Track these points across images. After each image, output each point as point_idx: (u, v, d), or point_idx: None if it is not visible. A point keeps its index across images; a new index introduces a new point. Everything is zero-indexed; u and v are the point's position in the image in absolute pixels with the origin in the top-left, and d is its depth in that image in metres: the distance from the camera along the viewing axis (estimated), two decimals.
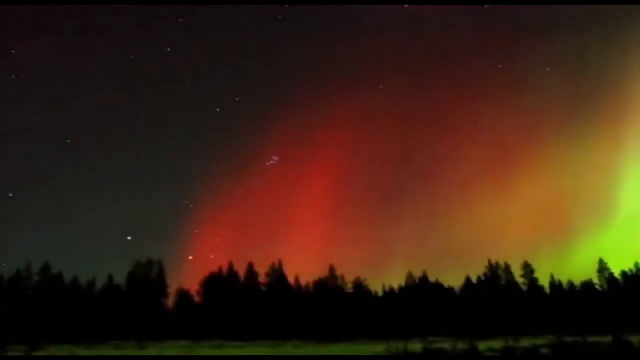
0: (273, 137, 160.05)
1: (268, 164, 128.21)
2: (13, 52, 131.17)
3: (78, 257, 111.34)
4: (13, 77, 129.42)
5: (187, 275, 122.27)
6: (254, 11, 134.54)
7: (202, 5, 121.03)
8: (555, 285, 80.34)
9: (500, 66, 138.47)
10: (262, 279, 77.24)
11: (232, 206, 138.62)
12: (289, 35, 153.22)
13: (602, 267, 79.50)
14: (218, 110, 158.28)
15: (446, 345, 28.31)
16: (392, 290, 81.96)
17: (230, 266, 77.93)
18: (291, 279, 78.55)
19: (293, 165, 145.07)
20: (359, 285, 79.92)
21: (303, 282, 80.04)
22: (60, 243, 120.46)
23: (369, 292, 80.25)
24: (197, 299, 75.43)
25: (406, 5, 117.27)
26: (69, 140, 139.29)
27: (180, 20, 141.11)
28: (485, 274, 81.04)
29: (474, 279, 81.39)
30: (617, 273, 78.84)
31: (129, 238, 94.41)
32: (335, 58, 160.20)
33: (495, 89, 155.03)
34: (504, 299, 75.06)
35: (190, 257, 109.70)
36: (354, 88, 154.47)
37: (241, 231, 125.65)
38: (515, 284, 79.36)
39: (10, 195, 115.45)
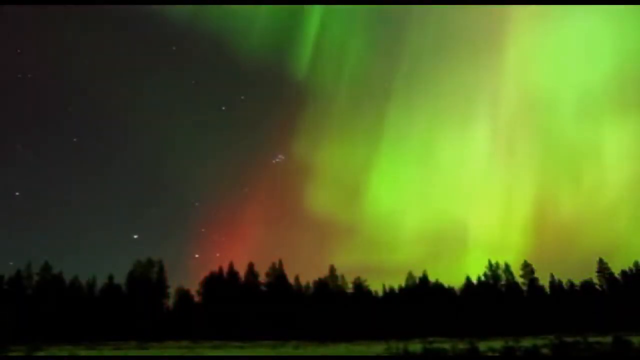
0: (278, 135, 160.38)
1: (273, 161, 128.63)
2: (19, 51, 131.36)
3: (81, 257, 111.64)
4: (19, 76, 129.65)
5: (193, 273, 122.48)
6: (257, 10, 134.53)
7: (205, 3, 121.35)
8: (555, 285, 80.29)
9: None
10: (262, 278, 77.32)
11: (237, 204, 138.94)
12: (293, 35, 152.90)
13: (602, 267, 79.44)
14: (224, 108, 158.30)
15: (446, 345, 28.28)
16: (392, 290, 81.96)
17: (231, 266, 78.00)
18: (291, 279, 78.71)
19: (297, 164, 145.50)
20: (359, 285, 79.90)
21: (303, 282, 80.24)
22: (62, 243, 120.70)
23: (369, 292, 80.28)
24: (197, 298, 75.48)
25: None
26: (75, 139, 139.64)
27: (185, 19, 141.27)
28: (485, 274, 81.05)
29: (474, 279, 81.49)
30: (616, 273, 78.88)
31: (135, 236, 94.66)
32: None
33: None
34: (504, 299, 75.09)
35: (197, 255, 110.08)
36: None
37: (246, 230, 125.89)
38: (515, 284, 79.33)
39: (17, 194, 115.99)
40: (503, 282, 79.81)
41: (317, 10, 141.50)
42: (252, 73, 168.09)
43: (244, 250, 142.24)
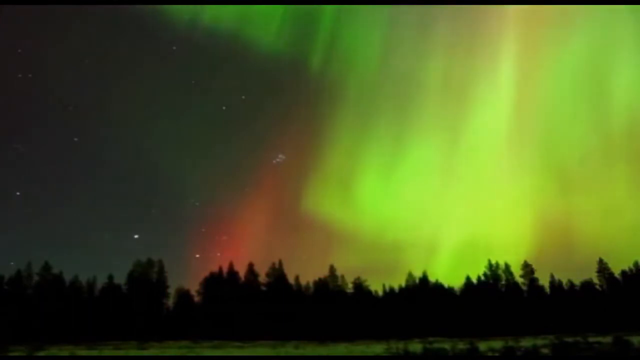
0: (279, 134, 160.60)
1: (274, 161, 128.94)
2: (19, 51, 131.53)
3: (81, 257, 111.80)
4: (20, 75, 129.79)
5: (193, 273, 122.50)
6: (257, 10, 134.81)
7: (206, 3, 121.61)
8: (555, 285, 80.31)
9: None
10: (262, 278, 77.33)
11: (238, 204, 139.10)
12: (293, 34, 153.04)
13: (602, 267, 79.43)
14: (224, 108, 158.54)
15: (446, 345, 28.28)
16: (392, 290, 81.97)
17: (231, 266, 78.02)
18: (291, 279, 78.71)
19: (299, 163, 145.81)
20: (359, 285, 79.91)
21: (303, 282, 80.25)
22: (62, 243, 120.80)
23: (369, 292, 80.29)
24: (197, 298, 75.49)
25: None
26: (75, 139, 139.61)
27: (186, 19, 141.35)
28: (485, 274, 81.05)
29: (474, 279, 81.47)
30: (616, 273, 78.88)
31: (136, 236, 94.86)
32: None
33: None
34: (504, 299, 75.11)
35: (197, 255, 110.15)
36: None
37: (246, 230, 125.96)
38: (515, 284, 79.36)
39: (17, 194, 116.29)
40: (503, 282, 79.87)
41: (319, 10, 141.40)
42: (253, 73, 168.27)
43: (245, 250, 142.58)
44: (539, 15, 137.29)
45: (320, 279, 79.68)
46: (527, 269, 79.73)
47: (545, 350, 23.39)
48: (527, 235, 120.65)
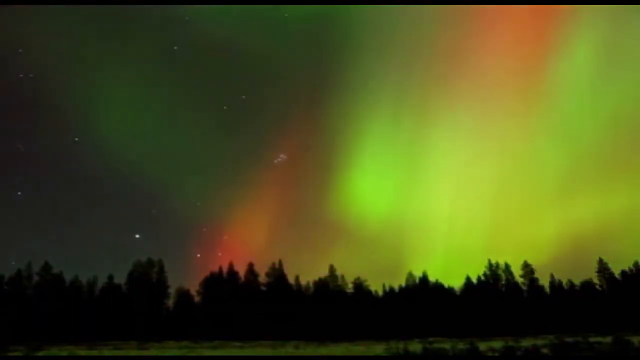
0: (279, 134, 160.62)
1: (275, 161, 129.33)
2: (20, 51, 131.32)
3: (81, 257, 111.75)
4: (20, 75, 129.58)
5: (194, 273, 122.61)
6: (258, 10, 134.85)
7: (206, 3, 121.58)
8: (555, 285, 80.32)
9: None
10: (262, 278, 77.33)
11: (239, 204, 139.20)
12: (294, 34, 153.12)
13: (602, 267, 79.43)
14: (225, 108, 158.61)
15: (446, 345, 28.30)
16: (392, 290, 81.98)
17: (231, 266, 78.02)
18: (291, 279, 78.71)
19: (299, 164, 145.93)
20: (359, 285, 79.92)
21: (303, 282, 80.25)
22: (62, 242, 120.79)
23: (369, 292, 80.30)
24: (197, 298, 75.48)
25: None
26: (76, 139, 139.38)
27: (187, 18, 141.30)
28: (485, 274, 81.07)
29: (474, 279, 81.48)
30: (616, 273, 78.85)
31: (137, 236, 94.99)
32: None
33: None
34: (504, 299, 75.13)
35: (198, 255, 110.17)
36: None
37: (247, 229, 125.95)
38: (515, 284, 79.38)
39: (19, 193, 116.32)
40: (503, 282, 79.89)
41: (320, 10, 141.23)
42: (253, 72, 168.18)
43: (246, 250, 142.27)
44: (545, 12, 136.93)
45: (320, 279, 79.75)
46: (527, 269, 79.73)
47: (545, 350, 23.38)
48: (527, 236, 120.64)
